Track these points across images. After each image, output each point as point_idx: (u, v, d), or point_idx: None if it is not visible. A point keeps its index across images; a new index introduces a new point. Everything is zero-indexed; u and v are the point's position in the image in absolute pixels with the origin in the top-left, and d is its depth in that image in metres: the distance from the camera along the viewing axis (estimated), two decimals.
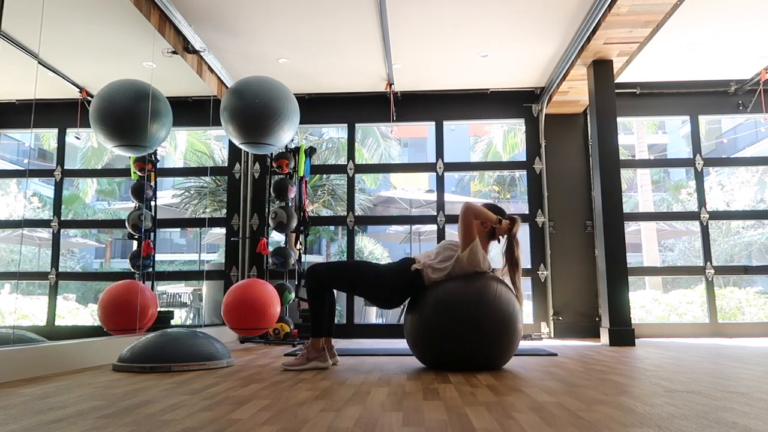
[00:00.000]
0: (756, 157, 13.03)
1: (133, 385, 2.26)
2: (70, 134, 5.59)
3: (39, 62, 3.95)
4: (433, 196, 6.97)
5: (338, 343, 3.27)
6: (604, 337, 4.49)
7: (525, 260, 2.88)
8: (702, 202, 5.75)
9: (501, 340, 2.74)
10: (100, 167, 8.55)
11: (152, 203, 4.98)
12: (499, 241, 2.98)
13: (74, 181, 11.62)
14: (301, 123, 4.57)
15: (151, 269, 4.85)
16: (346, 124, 6.12)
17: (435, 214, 5.92)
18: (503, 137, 13.80)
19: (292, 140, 4.94)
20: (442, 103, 5.92)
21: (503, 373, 2.64)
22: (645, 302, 7.85)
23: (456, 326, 2.71)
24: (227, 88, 5.15)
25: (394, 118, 5.83)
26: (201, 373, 2.67)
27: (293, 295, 4.89)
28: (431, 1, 4.15)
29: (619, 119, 5.20)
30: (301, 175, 5.16)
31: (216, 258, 13.76)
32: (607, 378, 2.44)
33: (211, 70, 5.11)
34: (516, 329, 2.77)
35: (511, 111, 5.94)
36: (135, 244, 4.79)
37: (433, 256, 2.93)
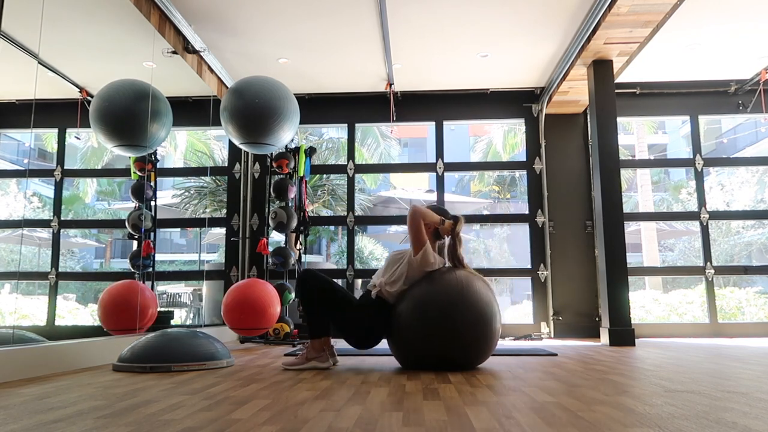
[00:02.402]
0: (756, 157, 13.04)
1: (133, 385, 2.26)
2: (71, 134, 5.60)
3: (39, 62, 3.95)
4: (433, 196, 6.98)
5: (338, 343, 3.27)
6: (604, 337, 4.49)
7: (467, 258, 3.01)
8: (702, 202, 5.75)
9: (476, 339, 2.75)
10: (100, 167, 8.55)
11: (152, 203, 4.98)
12: (442, 239, 3.06)
13: (74, 181, 11.62)
14: (301, 123, 4.57)
15: (151, 269, 4.85)
16: (346, 124, 6.12)
17: None
18: (503, 137, 13.81)
19: (292, 140, 4.94)
20: (442, 103, 5.92)
21: (503, 373, 2.64)
22: (645, 302, 7.85)
23: (431, 327, 2.73)
24: (227, 88, 5.15)
25: (394, 118, 5.83)
26: (201, 373, 2.67)
27: (293, 295, 4.89)
28: (431, 1, 4.15)
29: (619, 119, 5.21)
30: (301, 175, 5.16)
31: (216, 258, 13.76)
32: (607, 378, 2.44)
33: (211, 70, 5.11)
34: (493, 329, 2.79)
35: (511, 111, 5.94)
36: (135, 244, 4.79)
37: (383, 273, 2.99)
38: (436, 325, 2.72)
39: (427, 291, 2.82)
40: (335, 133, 13.73)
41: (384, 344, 3.05)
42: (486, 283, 2.91)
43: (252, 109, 4.11)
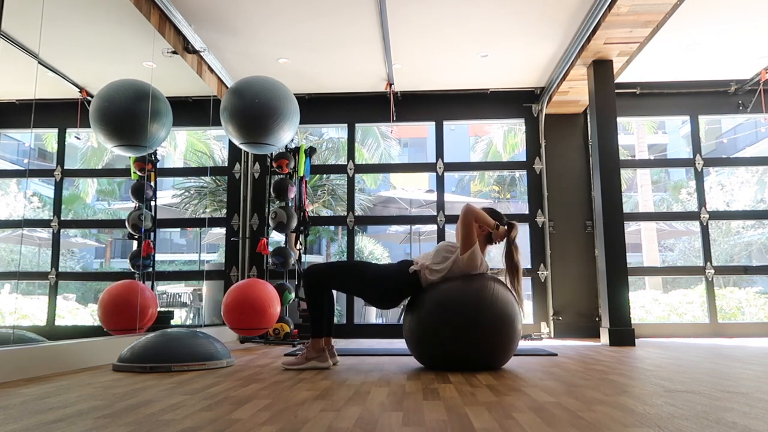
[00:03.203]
0: (756, 157, 13.03)
1: (133, 385, 2.26)
2: (71, 134, 5.59)
3: (39, 62, 3.95)
4: (433, 196, 6.98)
5: (338, 343, 3.28)
6: (604, 337, 4.49)
7: (525, 261, 2.92)
8: (702, 202, 5.75)
9: (500, 340, 2.74)
10: (100, 167, 8.55)
11: (152, 203, 4.98)
12: (494, 243, 3.00)
13: (74, 181, 11.62)
14: (301, 123, 4.57)
15: (151, 269, 4.85)
16: (346, 124, 6.12)
17: (435, 214, 5.92)
18: (503, 137, 13.81)
19: (292, 140, 4.94)
20: (442, 103, 5.92)
21: (503, 373, 2.64)
22: (645, 302, 7.85)
23: (455, 327, 2.72)
24: (227, 88, 5.15)
25: (394, 118, 5.82)
26: (201, 373, 2.67)
27: (293, 295, 4.90)
28: (431, 1, 4.15)
29: (619, 119, 5.21)
30: (301, 175, 5.16)
31: (216, 258, 13.76)
32: (607, 378, 2.44)
33: (211, 70, 5.11)
34: (515, 329, 2.78)
35: (511, 111, 5.94)
36: (135, 244, 4.79)
37: (431, 257, 2.95)
38: (459, 326, 2.71)
39: (450, 292, 2.81)
40: (335, 133, 13.72)
41: (384, 344, 3.05)
42: (506, 287, 2.89)
43: (252, 109, 4.11)
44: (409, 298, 3.01)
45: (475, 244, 2.85)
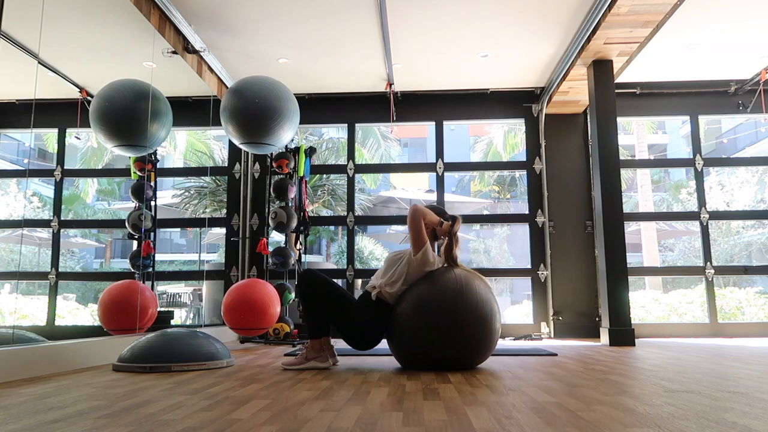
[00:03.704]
0: (756, 157, 13.05)
1: (133, 385, 2.26)
2: (71, 134, 5.59)
3: (39, 62, 3.95)
4: (433, 196, 6.98)
5: (338, 343, 3.27)
6: (604, 337, 4.49)
7: (463, 257, 3.03)
8: (702, 202, 5.75)
9: (476, 339, 2.75)
10: (100, 167, 8.54)
11: (152, 203, 4.98)
12: (440, 239, 3.07)
13: (74, 181, 11.62)
14: (301, 123, 4.57)
15: (151, 269, 4.85)
16: (346, 124, 6.13)
17: None
18: (503, 137, 13.81)
19: (292, 140, 4.94)
20: (442, 103, 5.92)
21: (503, 373, 2.64)
22: (645, 302, 7.85)
23: (429, 326, 2.73)
24: (227, 88, 5.15)
25: (394, 118, 5.82)
26: (201, 373, 2.67)
27: (293, 295, 4.90)
28: (431, 1, 4.15)
29: (619, 119, 5.20)
30: (301, 175, 5.16)
31: (216, 258, 13.76)
32: (607, 378, 2.44)
33: (211, 70, 5.11)
34: (492, 328, 2.78)
35: (511, 111, 5.94)
36: (135, 244, 4.79)
37: (382, 274, 2.99)
38: (435, 325, 2.72)
39: (427, 291, 2.82)
40: (335, 133, 13.73)
41: (384, 344, 3.05)
42: (485, 283, 2.91)
43: (252, 109, 4.11)
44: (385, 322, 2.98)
45: (427, 242, 2.90)
